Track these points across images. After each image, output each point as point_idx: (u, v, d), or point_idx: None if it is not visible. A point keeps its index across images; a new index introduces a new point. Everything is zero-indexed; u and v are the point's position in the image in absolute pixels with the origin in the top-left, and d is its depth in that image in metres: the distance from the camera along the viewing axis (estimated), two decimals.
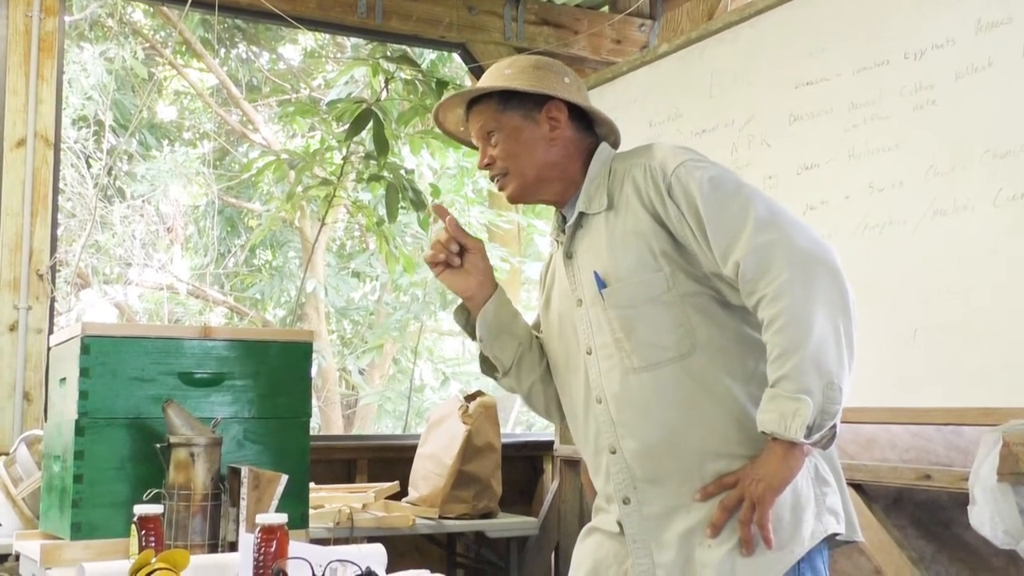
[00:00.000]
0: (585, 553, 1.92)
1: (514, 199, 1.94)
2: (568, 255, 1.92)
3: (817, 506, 1.72)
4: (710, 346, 1.75)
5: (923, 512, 2.72)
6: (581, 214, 1.88)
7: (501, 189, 1.93)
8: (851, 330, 1.64)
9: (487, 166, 1.92)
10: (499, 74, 1.91)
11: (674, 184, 1.75)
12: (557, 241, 1.97)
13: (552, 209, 2.00)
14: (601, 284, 1.82)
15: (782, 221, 1.68)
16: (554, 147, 1.89)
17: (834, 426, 1.64)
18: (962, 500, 2.15)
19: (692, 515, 1.74)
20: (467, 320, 2.01)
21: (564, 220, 1.96)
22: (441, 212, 1.94)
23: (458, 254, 1.93)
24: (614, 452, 1.82)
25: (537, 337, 2.03)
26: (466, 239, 1.94)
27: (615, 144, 1.97)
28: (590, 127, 1.94)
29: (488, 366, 2.04)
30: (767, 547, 1.66)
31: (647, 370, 1.77)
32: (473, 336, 2.00)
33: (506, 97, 1.88)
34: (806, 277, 1.63)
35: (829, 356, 1.61)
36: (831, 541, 1.76)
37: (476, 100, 1.93)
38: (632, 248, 1.79)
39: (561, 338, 1.94)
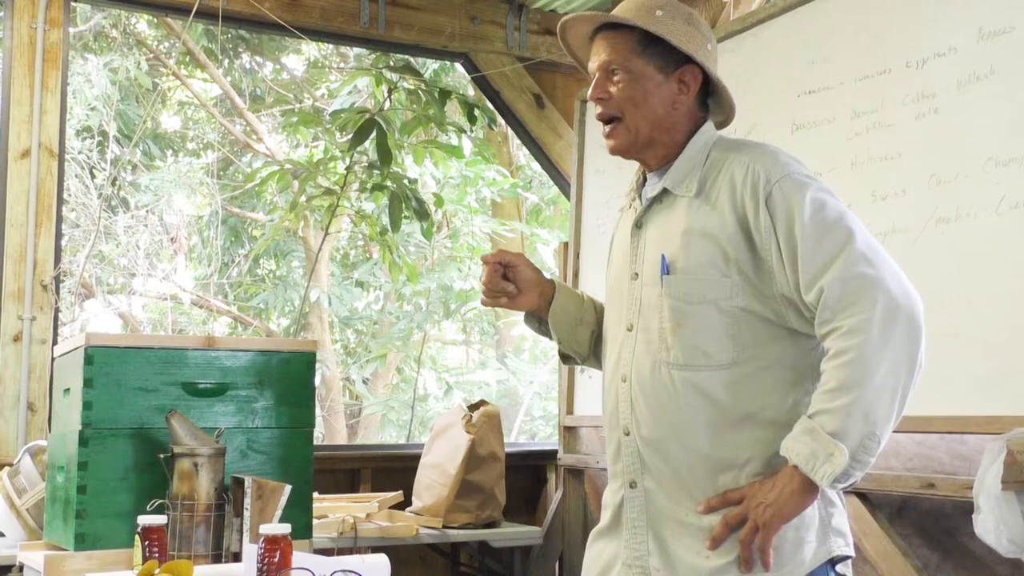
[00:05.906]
0: (594, 556, 1.91)
1: (618, 152, 1.84)
2: (638, 224, 1.85)
3: (822, 527, 1.70)
4: (751, 365, 1.71)
5: (928, 521, 2.71)
6: (665, 190, 1.81)
7: (608, 136, 1.83)
8: (908, 392, 1.61)
9: (600, 100, 1.81)
10: (650, 11, 1.78)
11: (775, 194, 1.68)
12: (631, 204, 1.91)
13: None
14: (665, 270, 1.75)
15: (879, 260, 1.63)
16: (673, 110, 1.80)
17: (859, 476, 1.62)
18: (967, 509, 2.15)
19: (692, 518, 1.72)
20: (539, 324, 2.03)
21: (643, 182, 1.89)
22: (484, 260, 1.94)
23: (505, 277, 1.93)
24: (628, 434, 1.80)
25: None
26: (506, 258, 1.93)
27: (719, 126, 1.88)
28: (705, 102, 1.86)
29: (567, 356, 2.06)
30: (764, 570, 1.64)
31: (681, 369, 1.73)
32: (550, 337, 2.02)
33: (649, 40, 1.77)
34: (886, 323, 1.58)
35: (881, 408, 1.58)
36: (844, 565, 1.72)
37: (612, 26, 1.81)
38: (707, 245, 1.72)
39: (609, 303, 1.92)
